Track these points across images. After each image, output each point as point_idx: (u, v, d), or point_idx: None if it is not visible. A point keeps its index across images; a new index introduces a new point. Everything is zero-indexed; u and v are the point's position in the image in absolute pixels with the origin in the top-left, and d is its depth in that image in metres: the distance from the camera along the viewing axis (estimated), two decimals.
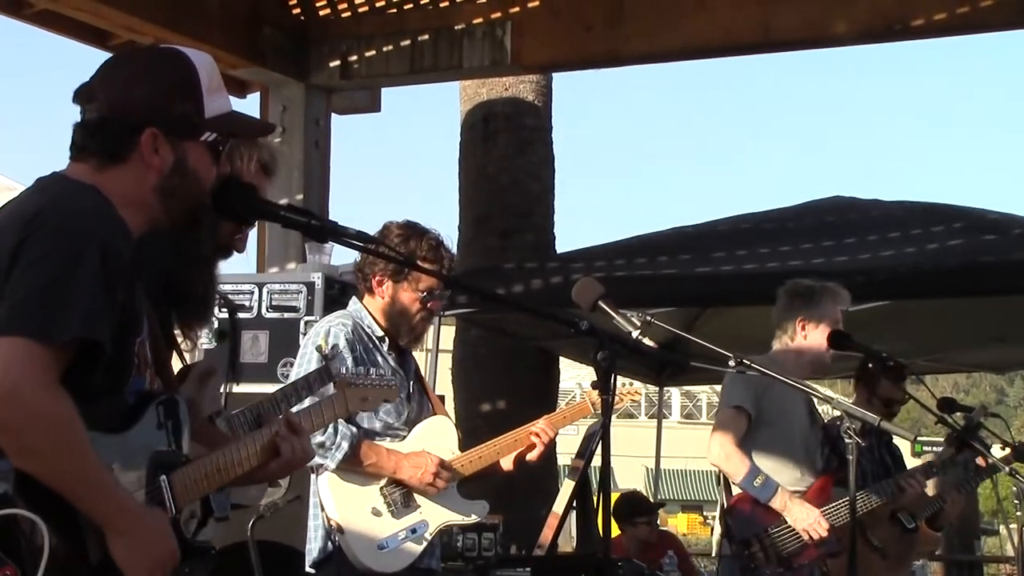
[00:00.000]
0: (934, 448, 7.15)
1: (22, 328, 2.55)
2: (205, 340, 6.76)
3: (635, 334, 3.89)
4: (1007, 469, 6.09)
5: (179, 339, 3.54)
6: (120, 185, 2.81)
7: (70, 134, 2.89)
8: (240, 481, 3.13)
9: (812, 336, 5.95)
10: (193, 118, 2.87)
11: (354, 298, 5.27)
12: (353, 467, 4.87)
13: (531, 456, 5.26)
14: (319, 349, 4.85)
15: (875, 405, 7.21)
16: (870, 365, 6.99)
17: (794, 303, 6.01)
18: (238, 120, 3.04)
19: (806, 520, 5.74)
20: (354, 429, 4.88)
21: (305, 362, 4.91)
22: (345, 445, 4.82)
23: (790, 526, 5.76)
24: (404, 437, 5.05)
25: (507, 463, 5.28)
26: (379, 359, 5.02)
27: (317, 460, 4.79)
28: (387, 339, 5.08)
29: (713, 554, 6.24)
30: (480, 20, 8.74)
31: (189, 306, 3.44)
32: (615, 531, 9.42)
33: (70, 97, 2.90)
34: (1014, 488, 6.42)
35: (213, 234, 3.37)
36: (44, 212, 2.67)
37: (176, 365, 3.46)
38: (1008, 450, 6.56)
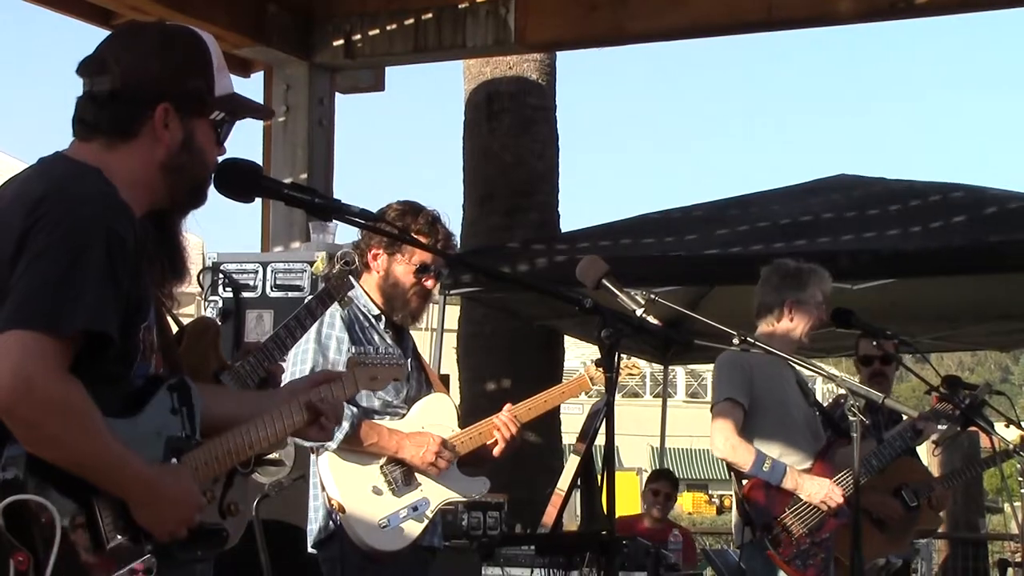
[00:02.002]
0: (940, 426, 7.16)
1: (31, 321, 2.55)
2: (212, 314, 6.77)
3: (639, 312, 3.89)
4: (1011, 447, 6.10)
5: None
6: (126, 166, 2.80)
7: (74, 109, 2.86)
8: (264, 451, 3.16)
9: (798, 318, 5.98)
10: (204, 95, 2.88)
11: (351, 279, 5.27)
12: (354, 447, 4.88)
13: (496, 451, 5.22)
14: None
15: (862, 373, 7.26)
16: (875, 343, 6.99)
17: (783, 285, 6.02)
18: (241, 102, 3.03)
19: (821, 492, 5.76)
20: (354, 409, 4.87)
21: (303, 341, 4.89)
22: (346, 425, 4.80)
23: (806, 502, 5.77)
24: (403, 415, 5.05)
25: (497, 449, 5.24)
26: (375, 337, 5.02)
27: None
28: (383, 317, 5.07)
29: (733, 545, 6.25)
30: None
31: (156, 266, 3.42)
32: (636, 505, 9.64)
33: (67, 77, 2.89)
34: (1018, 466, 6.42)
35: None
36: (48, 200, 2.65)
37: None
38: (1012, 427, 6.57)
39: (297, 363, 4.87)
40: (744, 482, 5.83)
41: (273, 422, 3.09)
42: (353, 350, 4.78)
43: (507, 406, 5.27)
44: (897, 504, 6.89)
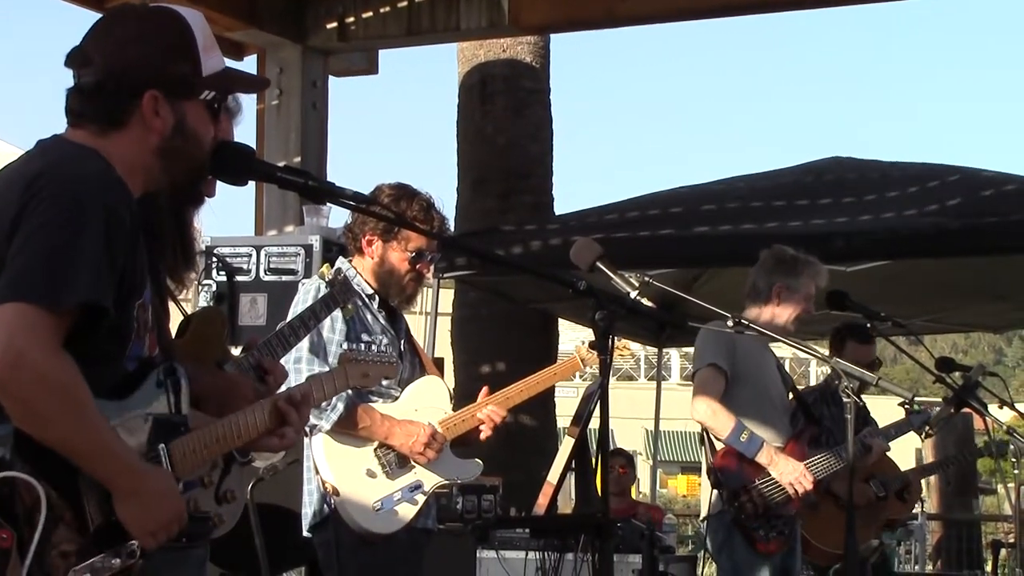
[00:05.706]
0: (932, 408, 7.18)
1: (26, 294, 2.55)
2: (204, 301, 6.77)
3: (633, 294, 3.88)
4: (1004, 428, 6.10)
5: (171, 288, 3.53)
6: (120, 150, 2.79)
7: (64, 100, 2.86)
8: (245, 448, 3.13)
9: (785, 304, 6.00)
10: (191, 77, 2.86)
11: (341, 257, 5.26)
12: (347, 429, 4.88)
13: (483, 436, 5.22)
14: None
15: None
16: (866, 326, 7.00)
17: (776, 270, 6.05)
18: (233, 77, 3.04)
19: (792, 474, 5.80)
20: (348, 391, 4.88)
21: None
22: (340, 406, 4.82)
23: (774, 479, 5.80)
24: (396, 397, 5.06)
25: (483, 435, 5.22)
26: (369, 317, 5.01)
27: (312, 420, 4.79)
28: (376, 297, 5.07)
29: (701, 517, 6.31)
30: None
31: (169, 254, 3.41)
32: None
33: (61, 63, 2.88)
34: (1012, 447, 6.42)
35: None
36: (45, 176, 2.65)
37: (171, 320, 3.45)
38: (1005, 408, 6.58)
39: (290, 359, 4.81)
40: (717, 450, 5.87)
41: (256, 412, 3.08)
42: (345, 346, 4.80)
43: (484, 389, 5.26)
44: (870, 490, 7.02)
